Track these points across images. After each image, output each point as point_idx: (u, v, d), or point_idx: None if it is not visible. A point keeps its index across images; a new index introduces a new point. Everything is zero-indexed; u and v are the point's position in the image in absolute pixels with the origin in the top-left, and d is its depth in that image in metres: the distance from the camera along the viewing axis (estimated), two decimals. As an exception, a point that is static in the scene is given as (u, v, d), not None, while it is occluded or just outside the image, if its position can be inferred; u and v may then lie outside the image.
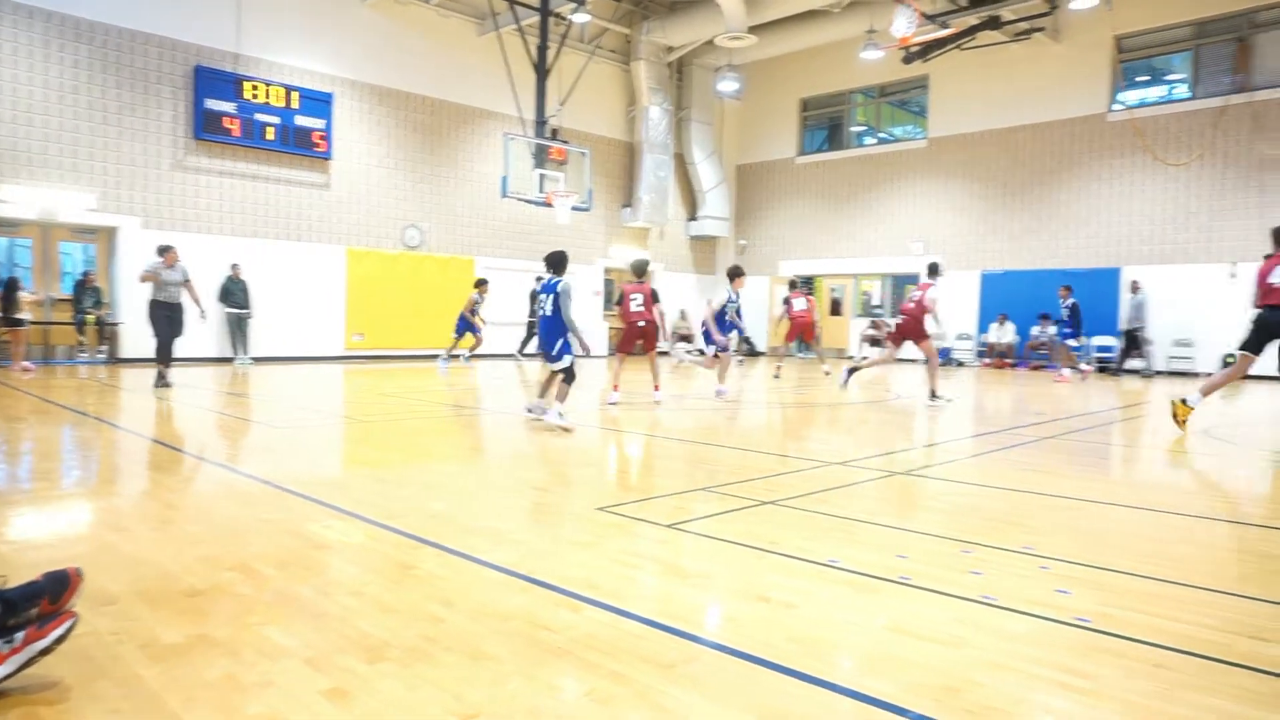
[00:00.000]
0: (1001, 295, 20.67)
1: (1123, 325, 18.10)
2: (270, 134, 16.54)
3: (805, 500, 4.82)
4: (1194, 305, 17.95)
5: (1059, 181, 20.05)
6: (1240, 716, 2.20)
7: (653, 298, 10.45)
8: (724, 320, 11.90)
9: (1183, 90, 18.77)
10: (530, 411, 8.29)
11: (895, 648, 2.65)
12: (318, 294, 17.56)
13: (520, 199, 17.43)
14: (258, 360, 16.22)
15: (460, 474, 5.79)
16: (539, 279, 11.45)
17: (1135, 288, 17.79)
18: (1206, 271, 17.90)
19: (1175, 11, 18.40)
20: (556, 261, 7.85)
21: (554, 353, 7.73)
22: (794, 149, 25.18)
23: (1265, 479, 6.33)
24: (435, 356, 17.34)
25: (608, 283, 23.35)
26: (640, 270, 10.73)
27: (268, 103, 16.47)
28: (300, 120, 16.97)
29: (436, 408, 9.93)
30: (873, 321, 22.53)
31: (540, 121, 17.55)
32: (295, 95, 16.84)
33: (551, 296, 7.67)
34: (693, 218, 25.35)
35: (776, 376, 15.47)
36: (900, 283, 23.50)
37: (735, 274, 11.85)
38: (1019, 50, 19.78)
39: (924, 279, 11.06)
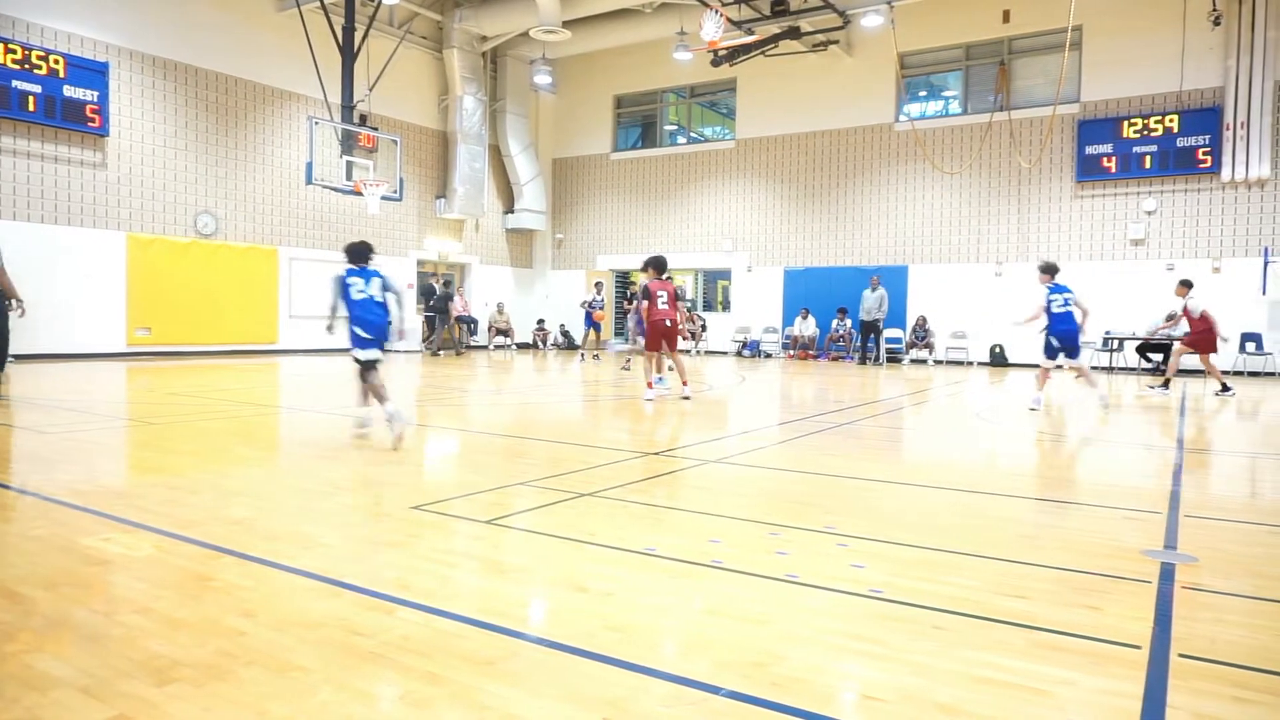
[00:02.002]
0: (804, 291, 21.95)
1: (864, 316, 19.46)
2: (32, 105, 14.77)
3: (623, 490, 4.91)
4: (968, 301, 19.84)
5: (854, 185, 21.53)
6: (1003, 666, 2.47)
7: (676, 296, 10.28)
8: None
9: (956, 106, 20.68)
10: (363, 428, 7.19)
11: (708, 629, 2.77)
12: (94, 284, 15.88)
13: (326, 187, 16.60)
14: (19, 359, 14.47)
15: (263, 477, 5.45)
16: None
17: (875, 284, 19.34)
18: (977, 270, 19.83)
19: (948, 34, 20.21)
20: (359, 252, 7.03)
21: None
22: (609, 145, 25.52)
23: (1022, 456, 7.11)
24: (237, 352, 16.17)
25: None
26: (662, 266, 10.48)
27: (29, 69, 14.69)
28: (70, 91, 15.25)
29: (235, 407, 9.27)
30: (689, 315, 23.26)
31: (347, 106, 16.78)
32: (63, 63, 15.12)
33: (378, 281, 6.89)
34: (509, 210, 25.11)
35: (626, 368, 15.89)
36: (712, 278, 24.44)
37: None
38: (817, 61, 21.04)
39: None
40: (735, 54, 19.53)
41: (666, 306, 10.16)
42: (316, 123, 16.14)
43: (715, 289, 24.55)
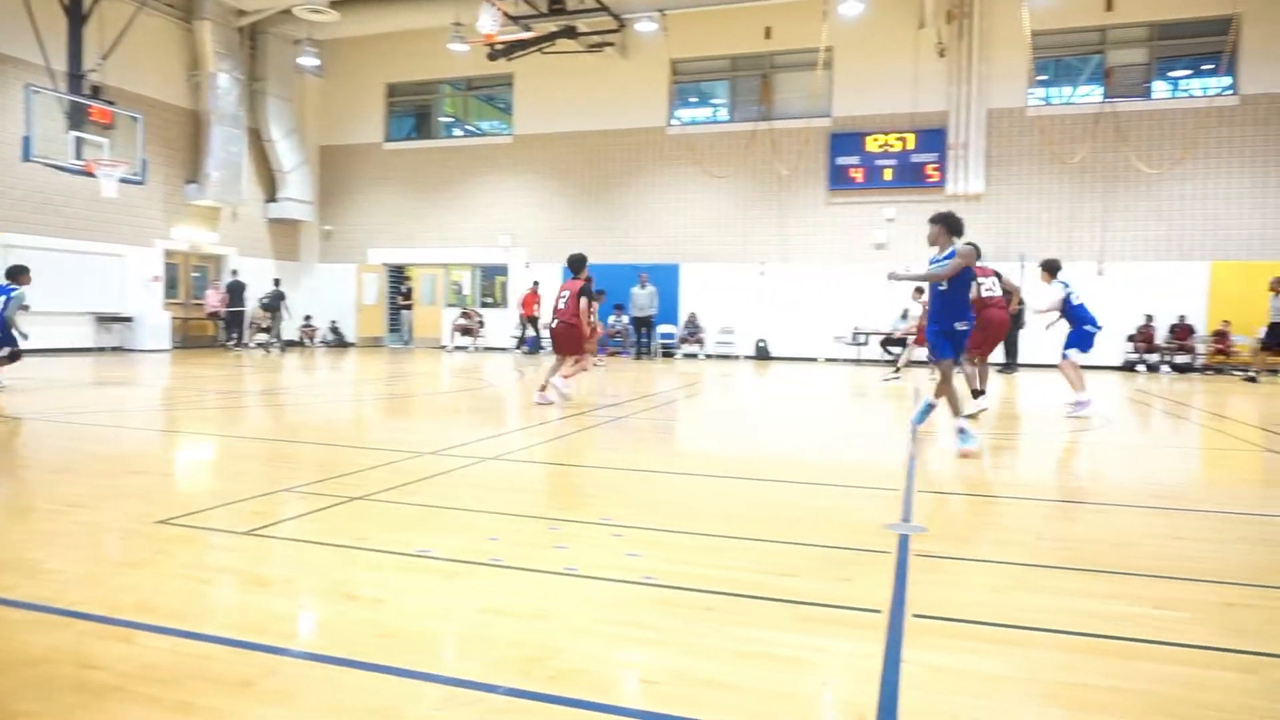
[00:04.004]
0: (584, 288, 22.22)
1: (637, 313, 20.36)
2: None
3: (397, 492, 4.74)
4: (735, 299, 21.02)
5: (629, 184, 22.12)
6: (767, 640, 2.63)
7: (582, 294, 9.43)
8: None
9: (724, 114, 21.83)
10: None
11: (485, 629, 2.73)
12: None
13: (50, 164, 14.67)
14: None
15: (-34, 497, 4.71)
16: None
17: (644, 281, 20.17)
18: (743, 270, 21.05)
19: (717, 45, 21.28)
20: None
21: None
22: (381, 134, 24.51)
23: (787, 444, 7.64)
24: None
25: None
26: (574, 264, 9.68)
27: None
28: None
29: (-70, 417, 7.95)
30: (464, 311, 22.85)
31: (76, 75, 14.93)
32: None
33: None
34: (272, 199, 23.44)
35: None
36: (489, 274, 24.15)
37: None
38: (594, 61, 21.38)
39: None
40: (512, 49, 19.43)
41: (564, 306, 9.54)
42: (37, 92, 14.22)
43: (494, 285, 24.28)
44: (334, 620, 2.81)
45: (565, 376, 9.73)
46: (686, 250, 21.60)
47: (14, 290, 9.91)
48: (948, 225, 6.77)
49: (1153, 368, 18.12)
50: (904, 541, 3.81)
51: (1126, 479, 6.04)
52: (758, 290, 20.83)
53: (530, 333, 21.50)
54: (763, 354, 20.83)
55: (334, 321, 24.53)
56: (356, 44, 23.38)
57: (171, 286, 20.94)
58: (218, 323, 21.22)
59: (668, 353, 21.19)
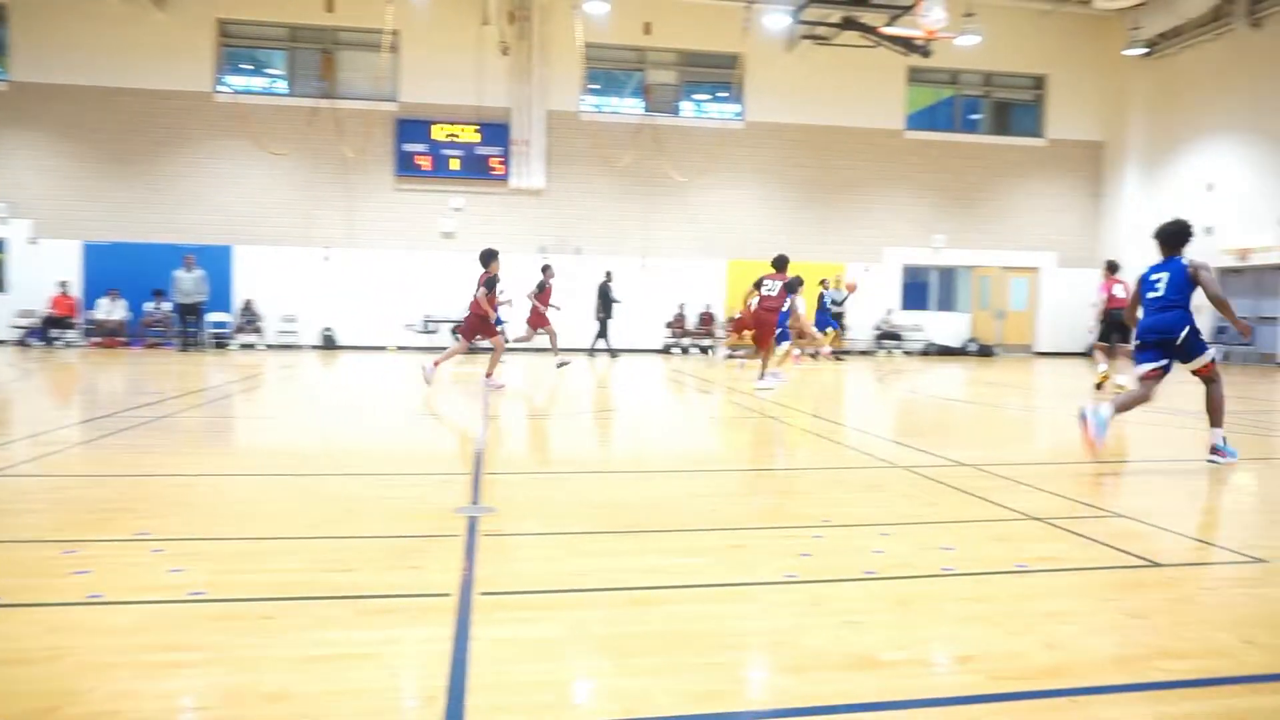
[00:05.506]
0: (112, 269, 19.13)
1: (181, 299, 18.05)
2: None
3: None
4: (297, 285, 19.73)
5: (172, 155, 19.55)
6: (332, 641, 2.53)
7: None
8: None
9: (283, 86, 20.29)
10: None
11: (-25, 682, 2.24)
12: None
13: None
14: None
15: None
16: None
17: (189, 263, 18.12)
18: (306, 254, 19.84)
19: (271, 10, 19.69)
20: None
21: None
22: None
23: (352, 436, 7.40)
24: None
25: None
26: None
27: None
28: None
29: None
30: None
31: None
32: None
33: None
34: None
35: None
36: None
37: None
38: (121, 8, 18.44)
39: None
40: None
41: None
42: None
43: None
44: None
45: None
46: (241, 231, 19.72)
47: None
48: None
49: (685, 350, 20.90)
50: (473, 524, 3.92)
51: (661, 448, 6.91)
52: (323, 276, 19.80)
53: None
54: (330, 343, 19.88)
55: None
56: None
57: None
58: None
59: (220, 343, 19.17)
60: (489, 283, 10.02)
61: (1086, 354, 19.46)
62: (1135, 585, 3.28)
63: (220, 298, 19.13)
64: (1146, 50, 20.70)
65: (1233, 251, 18.74)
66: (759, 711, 2.17)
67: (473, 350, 11.98)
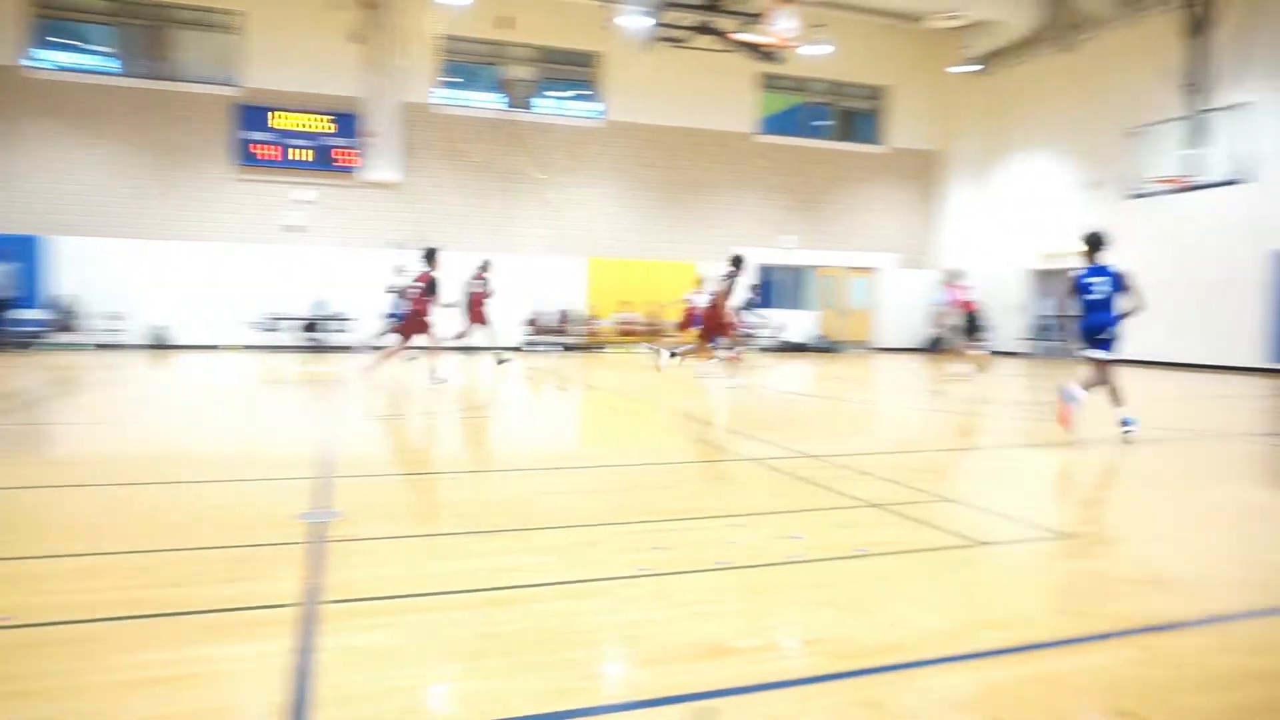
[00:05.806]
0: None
1: None
2: None
3: None
4: (123, 280, 18.23)
5: (-30, 134, 17.65)
6: (156, 663, 2.36)
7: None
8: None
9: (114, 65, 18.70)
10: None
11: None
12: None
13: None
14: None
15: None
16: None
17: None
18: (133, 247, 18.35)
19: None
20: None
21: None
22: None
23: (185, 441, 6.94)
24: None
25: None
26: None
27: None
28: None
29: None
30: None
31: None
32: None
33: None
34: None
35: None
36: None
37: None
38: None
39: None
40: None
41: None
42: None
43: None
44: None
45: None
46: (55, 220, 18.04)
47: None
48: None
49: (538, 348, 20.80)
50: (318, 530, 3.76)
51: (518, 447, 6.85)
52: (153, 270, 18.38)
53: None
54: (161, 342, 18.51)
55: None
56: None
57: None
58: None
59: (27, 343, 17.46)
60: (433, 283, 10.45)
61: (930, 350, 20.73)
62: (961, 563, 3.53)
63: (32, 293, 17.45)
64: (979, 67, 22.28)
65: (1048, 255, 20.42)
66: (612, 705, 2.19)
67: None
